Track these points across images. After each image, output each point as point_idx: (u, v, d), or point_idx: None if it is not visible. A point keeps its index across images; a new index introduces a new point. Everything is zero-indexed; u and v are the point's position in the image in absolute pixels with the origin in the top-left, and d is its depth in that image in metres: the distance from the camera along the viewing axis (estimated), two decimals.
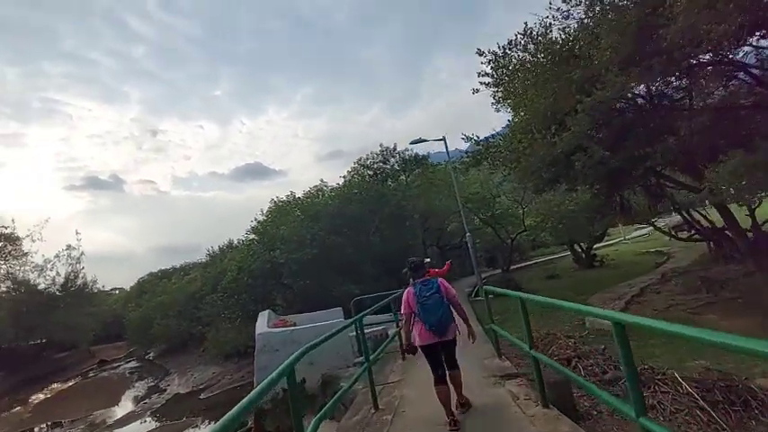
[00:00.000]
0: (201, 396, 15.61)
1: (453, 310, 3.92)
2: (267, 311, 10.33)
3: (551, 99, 7.99)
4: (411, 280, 4.09)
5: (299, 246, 13.14)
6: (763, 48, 7.49)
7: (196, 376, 20.54)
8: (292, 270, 13.27)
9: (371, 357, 4.87)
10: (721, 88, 8.79)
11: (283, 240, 13.63)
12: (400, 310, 4.14)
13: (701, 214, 11.41)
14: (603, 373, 4.53)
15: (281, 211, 15.22)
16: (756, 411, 3.36)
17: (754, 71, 7.70)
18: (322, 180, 15.58)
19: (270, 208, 15.87)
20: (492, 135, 10.77)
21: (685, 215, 12.14)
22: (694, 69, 8.46)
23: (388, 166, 16.29)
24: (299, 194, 15.80)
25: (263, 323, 9.28)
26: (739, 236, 9.18)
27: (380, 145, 16.49)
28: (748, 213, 11.68)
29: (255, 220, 15.69)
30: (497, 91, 11.78)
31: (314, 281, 14.10)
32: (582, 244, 18.71)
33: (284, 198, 15.60)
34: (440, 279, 4.03)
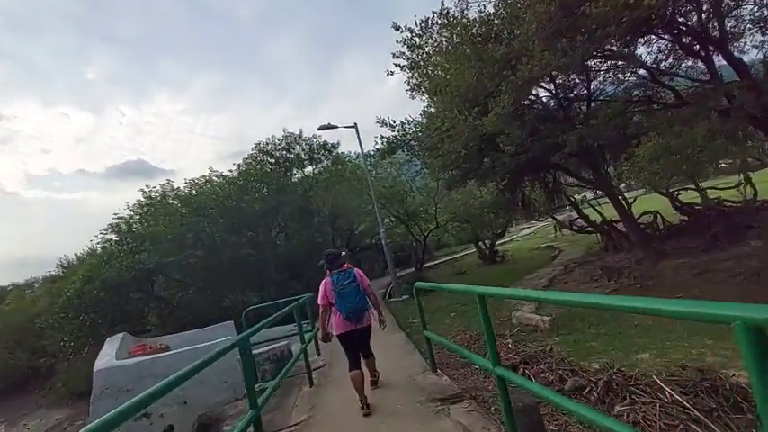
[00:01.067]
0: None
1: (368, 300, 4.08)
2: (121, 335, 7.67)
3: (474, 78, 7.36)
4: (328, 271, 4.11)
5: (177, 247, 10.43)
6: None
7: (31, 426, 15.63)
8: (168, 278, 10.50)
9: (266, 390, 3.30)
10: (615, 83, 9.36)
11: (153, 240, 10.72)
12: (317, 303, 4.16)
13: (595, 209, 12.26)
14: (561, 380, 3.70)
15: (156, 206, 12.14)
16: (752, 415, 2.77)
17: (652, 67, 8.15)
18: (212, 169, 12.95)
19: (139, 202, 12.54)
20: (408, 121, 9.98)
21: (578, 210, 13.00)
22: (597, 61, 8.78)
23: (293, 155, 14.31)
24: (179, 184, 12.90)
25: (109, 352, 6.72)
26: (632, 227, 9.84)
27: (284, 130, 14.47)
28: (626, 208, 13.04)
29: (116, 215, 12.15)
30: (412, 75, 11.03)
31: (199, 291, 11.51)
32: (486, 241, 19.34)
33: (158, 188, 12.44)
34: (356, 269, 4.14)
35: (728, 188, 11.63)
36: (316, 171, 15.15)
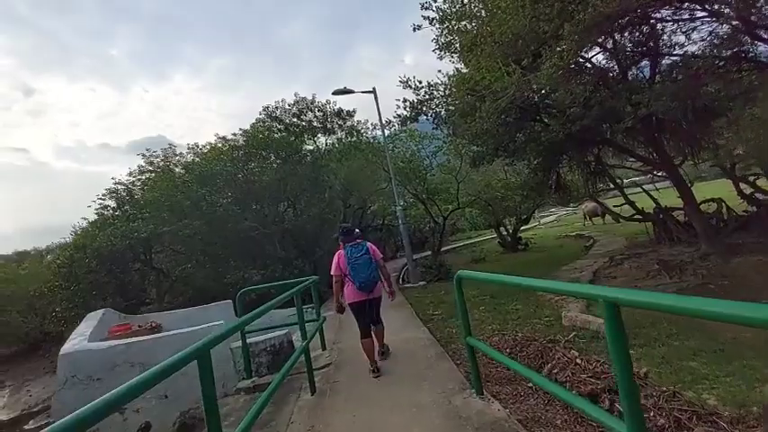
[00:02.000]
0: (30, 425, 11.07)
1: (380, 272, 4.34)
2: (101, 312, 6.75)
3: (527, 21, 5.91)
4: (342, 244, 4.37)
5: (174, 216, 9.44)
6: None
7: (33, 393, 15.31)
8: (168, 249, 9.58)
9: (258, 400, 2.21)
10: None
11: (152, 207, 9.74)
12: (331, 273, 4.32)
13: (649, 194, 10.73)
14: (679, 427, 2.47)
15: (158, 172, 11.12)
16: None
17: None
18: (217, 135, 11.63)
19: (140, 167, 11.55)
20: (435, 84, 8.54)
21: (624, 195, 11.49)
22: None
23: (305, 122, 12.99)
24: (183, 150, 11.78)
25: (83, 332, 5.77)
26: (697, 216, 8.37)
27: (295, 95, 13.10)
28: (679, 196, 11.46)
29: (115, 180, 11.13)
30: (442, 32, 9.52)
31: (200, 265, 10.58)
32: (508, 227, 17.98)
33: (160, 153, 11.35)
34: (368, 243, 4.38)
35: None
36: (329, 141, 13.90)
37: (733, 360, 3.67)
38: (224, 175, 10.26)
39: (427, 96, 8.45)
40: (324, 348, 5.09)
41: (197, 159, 11.14)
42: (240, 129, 10.83)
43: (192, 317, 7.47)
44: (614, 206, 11.62)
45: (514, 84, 6.01)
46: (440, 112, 9.23)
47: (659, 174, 11.07)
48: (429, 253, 17.18)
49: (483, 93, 6.49)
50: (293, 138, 12.16)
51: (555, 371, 3.46)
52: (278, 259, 9.84)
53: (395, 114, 8.84)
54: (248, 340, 4.75)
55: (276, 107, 12.55)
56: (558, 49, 5.70)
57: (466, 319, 3.17)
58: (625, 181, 12.13)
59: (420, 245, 26.17)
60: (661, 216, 10.01)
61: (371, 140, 12.75)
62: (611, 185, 11.53)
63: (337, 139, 13.48)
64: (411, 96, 8.73)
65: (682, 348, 4.06)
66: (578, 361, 3.48)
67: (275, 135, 11.91)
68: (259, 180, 10.33)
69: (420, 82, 8.24)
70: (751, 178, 9.23)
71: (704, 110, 8.58)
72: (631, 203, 11.19)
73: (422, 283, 10.13)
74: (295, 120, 12.51)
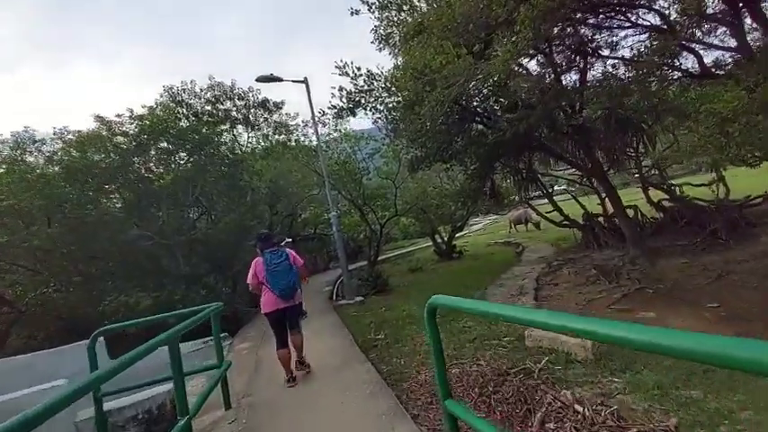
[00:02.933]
0: None
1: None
2: None
3: (480, 4, 5.25)
4: (260, 251, 4.24)
5: (25, 221, 6.96)
6: None
7: None
8: (12, 268, 7.09)
9: None
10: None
11: None
12: (247, 282, 4.28)
13: (578, 200, 10.97)
14: None
15: (6, 170, 8.32)
16: None
17: None
18: (98, 117, 8.94)
19: None
20: (376, 74, 7.60)
21: (553, 202, 11.70)
22: None
23: (221, 111, 10.95)
24: (41, 135, 8.93)
25: None
26: (625, 221, 8.53)
27: (210, 78, 10.85)
28: (599, 203, 12.00)
29: None
30: (382, 22, 8.71)
31: (66, 286, 8.17)
32: (443, 234, 17.75)
33: (9, 139, 8.47)
34: (288, 249, 4.34)
35: (701, 185, 11.02)
36: (252, 137, 12.14)
37: (734, 382, 3.15)
38: (107, 170, 7.97)
39: (366, 87, 7.51)
40: (227, 407, 3.67)
41: (69, 149, 8.53)
42: (129, 110, 8.60)
43: (37, 365, 5.41)
44: (547, 212, 11.75)
45: (466, 70, 5.32)
46: (379, 107, 8.32)
47: (586, 181, 11.45)
48: (365, 263, 16.17)
49: (434, 77, 5.72)
50: (206, 128, 10.16)
51: (549, 425, 2.58)
52: (181, 278, 7.92)
53: (329, 105, 7.73)
54: (108, 404, 3.19)
55: (183, 89, 10.35)
56: (513, 38, 5.13)
57: (443, 373, 2.13)
58: (556, 187, 12.37)
59: (354, 255, 25.03)
60: (589, 222, 10.24)
61: (302, 138, 11.49)
62: (542, 192, 11.67)
63: (263, 135, 11.83)
64: (348, 86, 7.69)
65: (664, 369, 3.50)
66: (578, 408, 2.65)
67: (181, 124, 9.74)
68: (159, 178, 8.32)
69: (359, 69, 7.26)
70: (669, 186, 9.85)
71: (624, 121, 8.88)
72: (559, 210, 11.40)
73: (359, 298, 9.01)
74: (209, 108, 10.47)
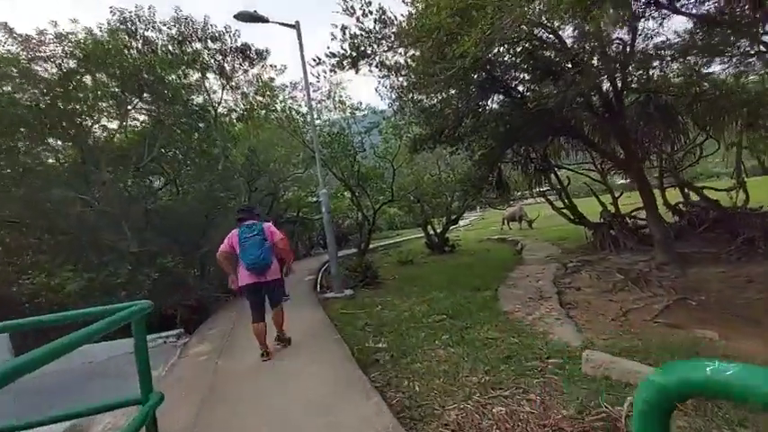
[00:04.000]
0: None
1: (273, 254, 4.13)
2: None
3: None
4: (238, 224, 4.22)
5: None
6: None
7: None
8: None
9: None
10: None
11: None
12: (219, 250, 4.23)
13: (598, 198, 9.99)
14: None
15: None
16: None
17: None
18: (10, 30, 6.59)
19: None
20: (388, 20, 6.18)
21: (567, 196, 10.72)
22: None
23: (188, 55, 8.71)
24: None
25: None
26: (656, 223, 7.56)
27: (176, 10, 8.52)
28: (611, 202, 11.10)
29: None
30: None
31: None
32: (436, 226, 16.67)
33: None
34: (266, 224, 4.24)
35: (720, 190, 10.25)
36: (229, 96, 10.35)
37: None
38: (28, 112, 6.06)
39: (377, 34, 6.12)
40: None
41: None
42: (52, 22, 6.39)
43: None
44: (562, 208, 10.76)
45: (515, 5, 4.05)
46: (389, 61, 6.96)
47: (601, 178, 10.51)
48: (351, 252, 14.94)
49: (473, 14, 4.43)
50: (166, 69, 8.04)
51: None
52: (128, 256, 6.37)
53: (327, 53, 6.30)
54: None
55: (138, 15, 7.93)
56: None
57: None
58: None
59: (338, 243, 23.72)
60: (608, 221, 9.29)
61: (289, 102, 9.96)
62: (552, 186, 10.67)
63: (242, 94, 10.18)
64: (353, 28, 6.25)
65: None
66: None
67: (135, 62, 7.46)
68: (103, 129, 6.70)
69: (369, 4, 5.81)
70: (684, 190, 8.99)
71: (664, 108, 7.88)
72: (573, 206, 10.43)
73: (348, 291, 7.77)
74: (174, 49, 8.32)
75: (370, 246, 22.30)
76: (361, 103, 10.39)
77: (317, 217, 21.89)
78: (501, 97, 8.76)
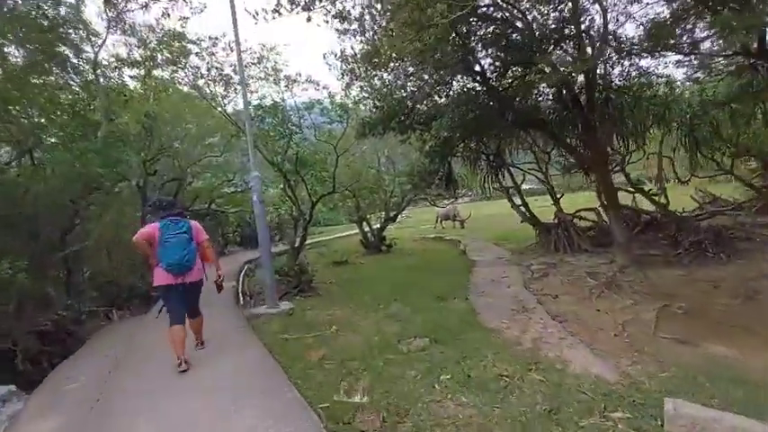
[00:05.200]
0: None
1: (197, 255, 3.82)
2: None
3: None
4: (158, 220, 3.73)
5: None
6: None
7: None
8: None
9: None
10: None
11: None
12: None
13: (554, 197, 9.65)
14: None
15: None
16: None
17: None
18: None
19: None
20: None
21: (521, 195, 10.31)
22: None
23: None
24: None
25: None
26: (619, 224, 7.29)
27: None
28: (553, 203, 11.01)
29: None
30: None
31: None
32: (372, 225, 15.46)
33: None
34: (192, 221, 3.90)
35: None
36: (119, 41, 7.42)
37: None
38: None
39: None
40: None
41: None
42: None
43: None
44: (519, 206, 10.26)
45: None
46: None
47: (545, 178, 10.32)
48: (278, 250, 12.92)
49: None
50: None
51: None
52: None
53: None
54: None
55: None
56: None
57: None
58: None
59: (256, 239, 21.06)
60: (561, 222, 9.00)
61: (207, 60, 7.64)
62: (501, 185, 10.19)
63: (140, 41, 7.37)
64: None
65: None
66: None
67: None
68: None
69: None
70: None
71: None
72: (524, 204, 10.04)
73: (285, 305, 6.02)
74: None
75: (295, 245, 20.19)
76: (300, 75, 8.55)
77: (232, 210, 19.05)
78: (467, 80, 7.82)
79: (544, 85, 6.76)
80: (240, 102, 7.73)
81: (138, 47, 7.23)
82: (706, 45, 6.53)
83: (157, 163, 11.18)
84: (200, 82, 8.06)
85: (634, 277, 6.79)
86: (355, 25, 6.26)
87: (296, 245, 9.09)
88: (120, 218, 8.63)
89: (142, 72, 8.11)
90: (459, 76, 7.79)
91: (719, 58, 7.14)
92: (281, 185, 9.26)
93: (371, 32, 6.57)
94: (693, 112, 8.06)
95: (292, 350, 4.18)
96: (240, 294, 7.50)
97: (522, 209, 9.99)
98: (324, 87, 8.70)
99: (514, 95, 7.23)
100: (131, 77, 8.02)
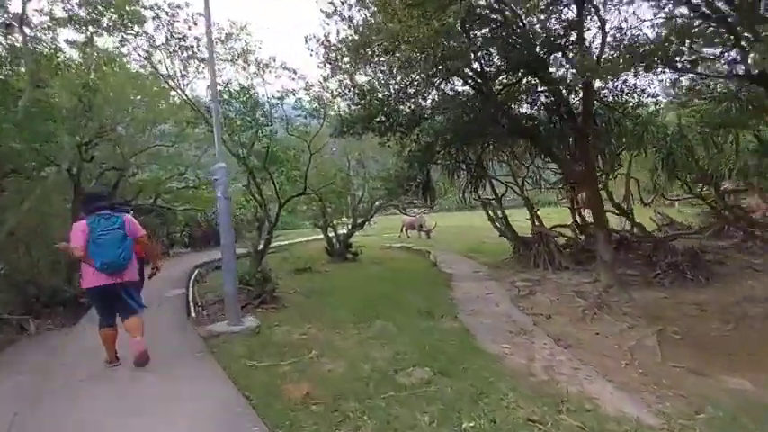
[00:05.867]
0: None
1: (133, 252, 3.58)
2: None
3: None
4: (85, 215, 3.48)
5: None
6: None
7: None
8: None
9: None
10: None
11: None
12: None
13: (533, 213, 9.44)
14: None
15: None
16: None
17: None
18: None
19: None
20: None
21: (501, 207, 10.05)
22: None
23: None
24: None
25: None
26: (606, 242, 7.15)
27: None
28: (528, 218, 10.89)
29: None
30: None
31: None
32: (338, 231, 14.63)
33: None
34: (125, 215, 3.64)
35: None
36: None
37: None
38: None
39: None
40: None
41: None
42: None
43: None
44: (499, 218, 9.97)
45: None
46: None
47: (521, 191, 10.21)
48: (241, 254, 11.65)
49: None
50: None
51: None
52: None
53: None
54: None
55: None
56: None
57: None
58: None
59: (207, 241, 19.31)
60: (542, 238, 8.80)
61: (163, 28, 6.45)
62: (487, 196, 9.90)
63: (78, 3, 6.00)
64: None
65: None
66: None
67: None
68: None
69: None
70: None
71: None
72: (505, 219, 9.79)
73: (250, 320, 5.07)
74: None
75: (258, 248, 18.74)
76: (273, 60, 7.67)
77: (181, 208, 17.27)
78: (458, 82, 7.41)
79: (542, 89, 6.47)
80: (201, 86, 6.72)
81: (80, 5, 5.97)
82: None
83: (96, 148, 9.62)
84: (156, 57, 6.90)
85: (619, 298, 6.64)
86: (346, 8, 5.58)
87: (259, 248, 8.04)
88: (45, 206, 7.17)
89: (83, 38, 6.81)
90: (450, 79, 7.35)
91: (709, 81, 7.31)
92: (245, 183, 8.21)
93: (363, 18, 5.93)
94: (672, 136, 8.23)
95: (265, 383, 3.33)
96: (192, 305, 6.38)
97: (502, 222, 9.71)
98: (300, 77, 7.83)
99: (508, 101, 6.90)
100: (69, 43, 6.69)
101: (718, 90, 7.92)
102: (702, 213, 12.01)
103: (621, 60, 5.44)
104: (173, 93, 11.68)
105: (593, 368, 3.96)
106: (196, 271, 10.99)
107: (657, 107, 7.82)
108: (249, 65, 7.86)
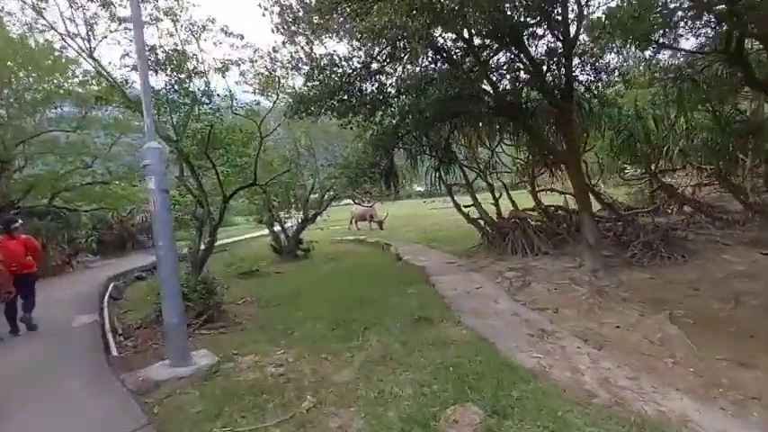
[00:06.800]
0: None
1: None
2: None
3: None
4: None
5: None
6: None
7: None
8: None
9: None
10: None
11: None
12: None
13: (510, 196, 8.91)
14: None
15: None
16: None
17: None
18: None
19: None
20: None
21: (473, 196, 9.43)
22: None
23: None
24: None
25: None
26: (592, 225, 6.82)
27: None
28: (492, 202, 10.49)
29: None
30: None
31: None
32: (288, 226, 13.17)
33: None
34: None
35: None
36: None
37: None
38: None
39: None
40: None
41: None
42: None
43: None
44: (465, 206, 9.31)
45: None
46: None
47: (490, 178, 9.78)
48: (152, 262, 9.62)
49: None
50: None
51: None
52: None
53: None
54: None
55: None
56: None
57: None
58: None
59: (120, 245, 16.40)
60: (517, 223, 8.36)
61: None
62: (457, 182, 9.25)
63: None
64: None
65: None
66: None
67: None
68: None
69: None
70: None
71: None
72: (479, 205, 9.22)
73: (201, 357, 3.70)
74: None
75: (182, 250, 16.29)
76: (213, 21, 6.05)
77: (87, 208, 14.23)
78: (435, 57, 6.49)
79: (522, 63, 5.83)
80: (111, 55, 4.93)
81: None
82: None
83: None
84: (49, 14, 4.97)
85: (609, 282, 6.36)
86: None
87: (199, 254, 6.44)
88: None
89: None
90: (428, 52, 6.41)
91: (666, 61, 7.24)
92: (177, 174, 6.51)
93: None
94: (631, 116, 8.21)
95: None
96: (110, 337, 4.72)
97: (472, 209, 9.14)
98: (246, 45, 6.32)
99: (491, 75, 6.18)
100: None
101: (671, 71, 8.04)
102: (635, 193, 12.74)
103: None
104: (72, 65, 9.31)
105: (650, 374, 3.36)
106: (111, 285, 8.89)
107: (626, 86, 7.67)
108: (179, 28, 6.14)
